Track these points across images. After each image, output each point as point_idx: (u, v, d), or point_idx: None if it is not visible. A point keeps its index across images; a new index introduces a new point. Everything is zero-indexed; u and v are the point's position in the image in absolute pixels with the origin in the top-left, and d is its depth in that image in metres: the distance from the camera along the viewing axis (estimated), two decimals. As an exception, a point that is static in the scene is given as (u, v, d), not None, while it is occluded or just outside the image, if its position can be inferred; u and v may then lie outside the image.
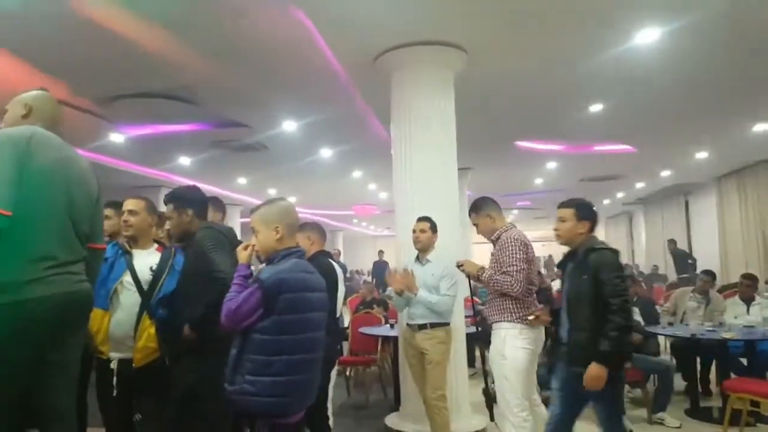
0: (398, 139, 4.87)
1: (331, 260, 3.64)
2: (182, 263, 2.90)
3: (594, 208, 3.03)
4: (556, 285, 4.45)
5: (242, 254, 2.30)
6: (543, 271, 10.69)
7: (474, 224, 3.64)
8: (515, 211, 19.60)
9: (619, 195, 15.98)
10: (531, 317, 3.26)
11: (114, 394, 2.75)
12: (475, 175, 10.64)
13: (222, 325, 2.16)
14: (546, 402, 3.48)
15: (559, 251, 4.01)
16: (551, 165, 10.88)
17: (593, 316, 2.74)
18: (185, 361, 2.75)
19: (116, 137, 7.55)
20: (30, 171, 2.01)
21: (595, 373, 2.69)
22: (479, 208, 3.62)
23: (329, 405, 3.67)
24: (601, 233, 15.61)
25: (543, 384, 3.92)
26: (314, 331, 2.20)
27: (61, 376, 2.14)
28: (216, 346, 2.51)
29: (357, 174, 11.40)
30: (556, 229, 3.00)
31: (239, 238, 3.16)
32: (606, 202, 17.31)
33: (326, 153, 9.13)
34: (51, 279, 2.03)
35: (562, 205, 3.02)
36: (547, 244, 18.11)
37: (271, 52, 4.82)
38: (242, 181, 11.70)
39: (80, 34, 4.32)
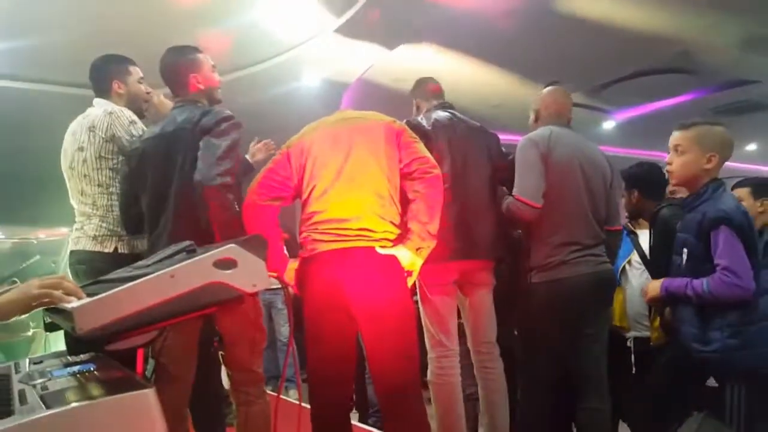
0: None
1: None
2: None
3: None
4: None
5: None
6: None
7: None
8: None
9: None
10: None
11: (633, 372, 2.80)
12: None
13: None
14: None
15: None
16: None
17: None
18: None
19: (607, 124, 7.68)
20: (552, 167, 2.27)
21: None
22: None
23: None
24: None
25: None
26: None
27: (594, 347, 2.36)
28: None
29: None
30: None
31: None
32: None
33: None
34: (576, 261, 2.25)
35: None
36: None
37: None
38: (751, 147, 10.02)
39: (556, 29, 4.50)
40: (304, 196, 2.03)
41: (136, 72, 2.43)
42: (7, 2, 3.56)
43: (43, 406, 1.04)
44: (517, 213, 2.28)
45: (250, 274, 1.19)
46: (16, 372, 1.45)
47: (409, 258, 1.93)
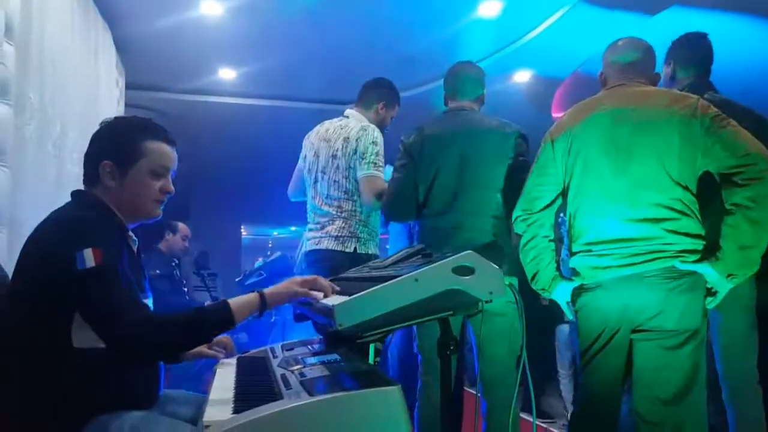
0: None
1: None
2: None
3: None
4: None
5: None
6: None
7: None
8: None
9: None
10: None
11: None
12: None
13: None
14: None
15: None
16: None
17: None
18: None
19: None
20: None
21: None
22: None
23: None
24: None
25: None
26: None
27: None
28: None
29: None
30: None
31: None
32: None
33: None
34: None
35: None
36: None
37: None
38: None
39: None
40: (570, 208, 1.84)
41: (396, 110, 2.75)
42: (244, 31, 4.10)
43: (305, 392, 1.16)
44: None
45: (487, 282, 1.17)
46: (273, 357, 1.66)
47: (716, 279, 1.64)
